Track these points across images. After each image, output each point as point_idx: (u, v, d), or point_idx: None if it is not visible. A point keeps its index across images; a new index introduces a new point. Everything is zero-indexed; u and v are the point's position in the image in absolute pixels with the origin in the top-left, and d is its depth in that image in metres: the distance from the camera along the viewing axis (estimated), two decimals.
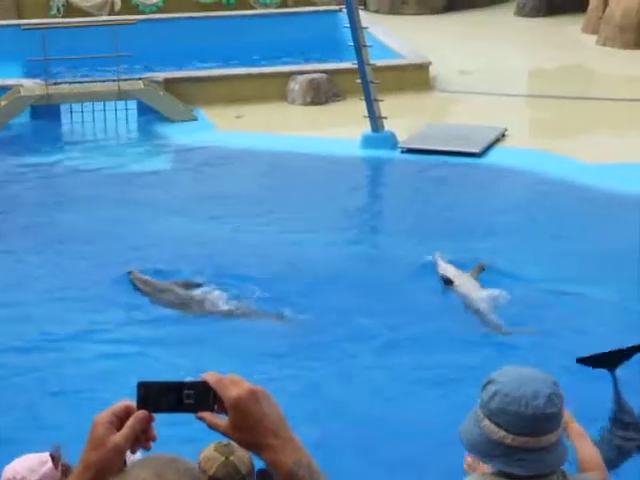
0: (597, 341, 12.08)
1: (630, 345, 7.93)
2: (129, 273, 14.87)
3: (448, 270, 14.95)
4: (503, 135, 20.63)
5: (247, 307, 14.15)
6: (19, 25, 24.93)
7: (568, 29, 28.22)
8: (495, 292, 14.34)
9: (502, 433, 3.90)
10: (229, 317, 13.99)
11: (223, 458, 5.21)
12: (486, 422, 3.94)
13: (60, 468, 5.01)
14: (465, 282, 14.71)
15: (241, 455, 5.24)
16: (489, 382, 4.01)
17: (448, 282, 14.75)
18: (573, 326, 13.26)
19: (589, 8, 28.06)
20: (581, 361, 7.65)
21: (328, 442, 10.29)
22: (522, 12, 30.54)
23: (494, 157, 19.71)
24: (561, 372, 10.22)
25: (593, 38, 27.27)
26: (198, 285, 14.72)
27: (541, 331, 13.18)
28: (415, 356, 12.71)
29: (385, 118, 20.17)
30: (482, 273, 14.92)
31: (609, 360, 8.27)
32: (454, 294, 14.60)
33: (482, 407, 3.99)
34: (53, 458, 5.12)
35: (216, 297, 14.42)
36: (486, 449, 3.95)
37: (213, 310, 14.22)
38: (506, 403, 3.90)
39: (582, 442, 4.97)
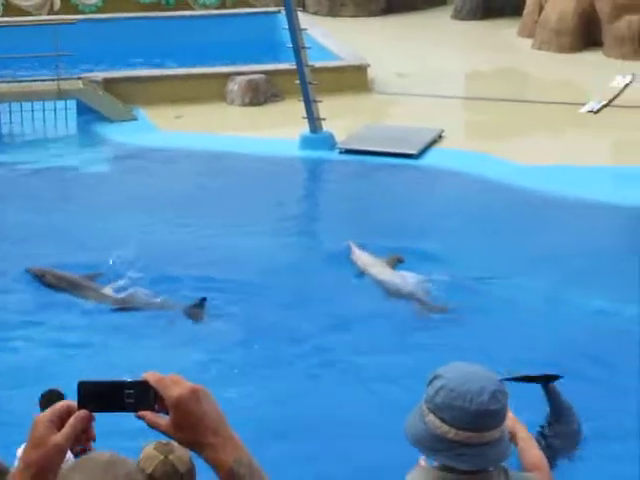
0: (520, 327, 12.45)
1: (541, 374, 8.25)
2: (27, 270, 14.97)
3: (362, 257, 15.44)
4: (440, 137, 20.72)
5: (168, 301, 14.23)
6: None
7: (504, 32, 28.38)
8: (413, 276, 14.82)
9: (445, 428, 3.93)
10: (145, 309, 14.12)
11: (162, 457, 5.20)
12: (431, 417, 3.97)
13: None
14: (382, 269, 15.20)
15: (180, 455, 5.23)
16: (435, 377, 4.03)
17: (360, 266, 15.31)
18: (502, 311, 13.55)
19: (525, 12, 28.21)
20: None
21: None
22: (459, 15, 30.65)
23: (431, 158, 19.80)
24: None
25: (529, 42, 27.42)
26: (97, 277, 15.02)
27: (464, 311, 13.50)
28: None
29: (323, 119, 20.22)
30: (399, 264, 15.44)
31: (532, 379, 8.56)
32: (371, 279, 15.07)
33: (427, 402, 4.01)
34: None
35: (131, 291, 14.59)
36: (430, 444, 3.97)
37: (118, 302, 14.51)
38: (451, 398, 3.93)
39: (527, 444, 5.00)
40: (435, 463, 4.11)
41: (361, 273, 15.20)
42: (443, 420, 3.95)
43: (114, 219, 17.00)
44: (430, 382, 4.03)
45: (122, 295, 14.54)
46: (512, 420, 4.85)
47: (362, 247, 15.62)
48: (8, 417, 10.61)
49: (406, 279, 14.81)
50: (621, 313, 13.57)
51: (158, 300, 14.38)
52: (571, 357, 12.11)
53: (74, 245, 16.02)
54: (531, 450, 4.97)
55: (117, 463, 2.48)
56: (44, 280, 14.93)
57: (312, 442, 11.00)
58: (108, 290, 14.71)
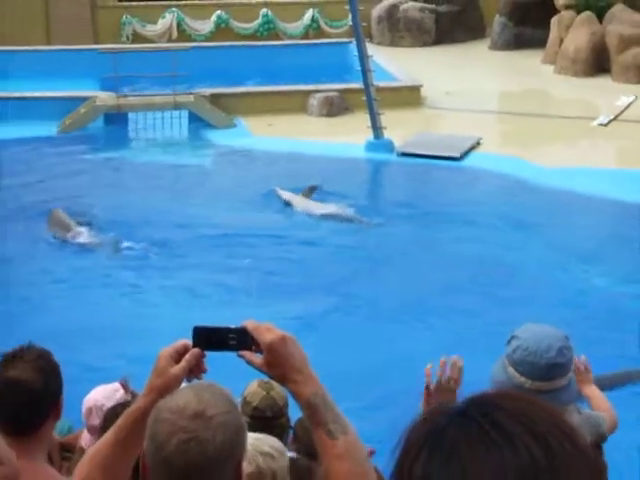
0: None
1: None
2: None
3: (286, 195, 17.03)
4: (478, 143, 20.56)
5: None
6: (97, 49, 24.88)
7: (531, 60, 28.07)
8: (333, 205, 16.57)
9: (522, 379, 3.96)
10: None
11: (265, 393, 5.25)
12: (510, 369, 4.00)
13: (129, 393, 5.04)
14: (302, 201, 16.86)
15: (279, 391, 5.26)
16: (513, 337, 4.06)
17: (288, 203, 16.86)
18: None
19: (548, 44, 27.94)
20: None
21: None
22: (495, 46, 30.40)
23: (470, 161, 19.69)
24: None
25: (551, 68, 27.14)
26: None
27: None
28: None
29: (385, 128, 20.10)
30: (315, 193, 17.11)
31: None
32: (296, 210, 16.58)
33: (507, 357, 4.06)
34: (123, 386, 5.14)
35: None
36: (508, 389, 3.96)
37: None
38: (525, 355, 3.96)
39: (591, 392, 5.01)
40: None
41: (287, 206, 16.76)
42: (520, 372, 3.98)
43: (205, 204, 17.20)
44: (509, 341, 4.07)
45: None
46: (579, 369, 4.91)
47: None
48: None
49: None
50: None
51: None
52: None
53: (167, 223, 16.23)
54: (597, 396, 4.97)
55: (217, 386, 2.48)
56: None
57: None
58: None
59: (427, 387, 4.37)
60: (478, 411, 1.57)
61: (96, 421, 4.95)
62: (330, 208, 16.64)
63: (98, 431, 4.67)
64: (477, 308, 12.80)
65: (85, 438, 5.06)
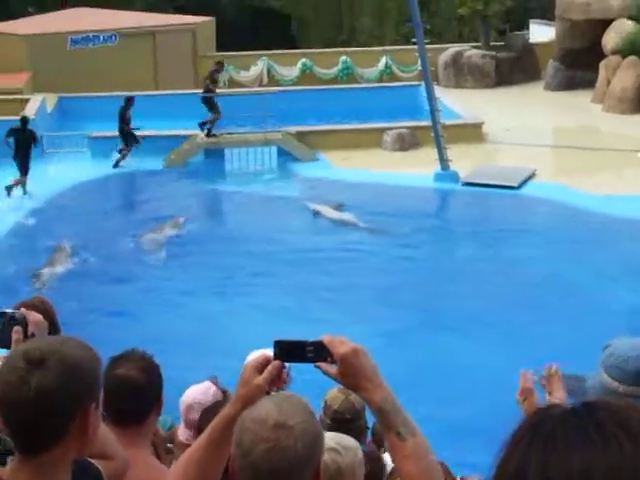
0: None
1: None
2: None
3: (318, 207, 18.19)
4: (534, 174, 20.40)
5: None
6: (197, 93, 25.12)
7: (582, 99, 27.77)
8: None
9: (615, 384, 3.85)
10: None
11: (344, 397, 5.24)
12: (604, 375, 3.90)
13: (220, 390, 5.07)
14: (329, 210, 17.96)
15: (356, 396, 5.21)
16: (607, 346, 3.96)
17: (316, 213, 17.92)
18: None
19: (597, 85, 27.63)
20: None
21: None
22: (549, 87, 30.15)
23: (527, 189, 19.60)
24: None
25: (599, 106, 26.82)
26: None
27: None
28: None
29: (450, 161, 20.07)
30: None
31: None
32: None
33: (602, 363, 3.94)
34: (213, 383, 5.18)
35: None
36: (604, 395, 3.85)
37: None
38: (617, 362, 3.86)
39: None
40: None
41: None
42: (613, 378, 3.86)
43: (290, 229, 17.43)
44: (604, 349, 3.96)
45: None
46: None
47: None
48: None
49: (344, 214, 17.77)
50: None
51: None
52: None
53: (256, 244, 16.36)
54: None
55: (296, 397, 2.48)
56: None
57: None
58: None
59: (526, 389, 4.37)
60: (584, 409, 1.58)
61: (193, 416, 4.99)
62: (351, 218, 17.67)
63: (195, 427, 4.70)
64: (533, 323, 12.62)
65: (183, 432, 5.09)
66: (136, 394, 3.64)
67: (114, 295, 14.44)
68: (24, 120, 20.50)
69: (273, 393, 2.49)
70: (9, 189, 19.87)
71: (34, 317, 2.97)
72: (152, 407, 3.73)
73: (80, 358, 2.33)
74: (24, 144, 19.96)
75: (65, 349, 2.32)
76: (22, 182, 19.99)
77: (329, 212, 18.07)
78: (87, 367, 2.34)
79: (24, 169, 19.98)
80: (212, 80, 22.96)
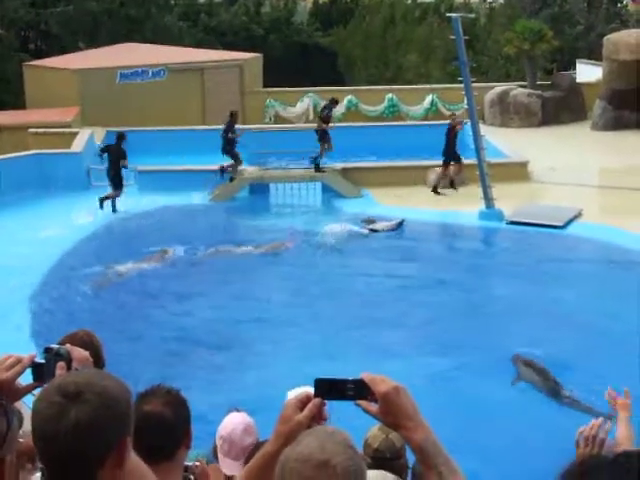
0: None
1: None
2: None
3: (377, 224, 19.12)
4: (580, 214, 20.27)
5: None
6: (245, 130, 25.34)
7: (629, 140, 27.63)
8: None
9: None
10: None
11: (384, 436, 5.25)
12: None
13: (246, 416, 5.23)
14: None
15: (396, 434, 5.21)
16: None
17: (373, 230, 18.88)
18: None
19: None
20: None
21: None
22: (596, 127, 30.06)
23: (573, 229, 19.49)
24: None
25: None
26: None
27: None
28: None
29: (495, 199, 20.01)
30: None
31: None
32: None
33: None
34: (237, 410, 5.31)
35: None
36: None
37: None
38: None
39: (621, 422, 4.84)
40: None
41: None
42: None
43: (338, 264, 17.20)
44: None
45: None
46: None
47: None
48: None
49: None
50: None
51: None
52: None
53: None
54: (622, 427, 4.74)
55: (338, 432, 2.45)
56: None
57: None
58: None
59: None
60: (625, 458, 1.68)
61: (226, 449, 5.06)
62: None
63: (244, 455, 4.76)
64: (575, 363, 12.51)
65: (226, 465, 5.11)
66: (165, 430, 3.66)
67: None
68: (119, 136, 21.61)
69: (315, 427, 2.49)
70: (102, 201, 21.22)
71: (79, 353, 2.99)
72: (181, 441, 3.74)
73: (116, 391, 2.36)
74: (115, 160, 21.19)
75: (101, 382, 2.35)
76: (115, 196, 21.41)
77: (384, 225, 19.05)
78: (123, 400, 2.36)
79: (114, 184, 21.38)
80: (323, 119, 23.12)
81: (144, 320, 14.73)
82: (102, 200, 21.20)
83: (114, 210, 21.41)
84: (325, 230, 19.10)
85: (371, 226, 19.16)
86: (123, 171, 21.32)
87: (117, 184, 21.37)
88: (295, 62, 42.01)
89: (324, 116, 23.44)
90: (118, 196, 21.45)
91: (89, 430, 2.27)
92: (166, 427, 3.67)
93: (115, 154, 21.16)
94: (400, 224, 19.21)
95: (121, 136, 21.66)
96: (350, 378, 2.48)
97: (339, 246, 18.34)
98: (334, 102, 24.06)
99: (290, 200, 22.69)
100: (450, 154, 22.34)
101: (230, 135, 22.66)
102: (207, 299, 15.61)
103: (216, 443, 5.24)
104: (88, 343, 3.75)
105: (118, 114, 28.36)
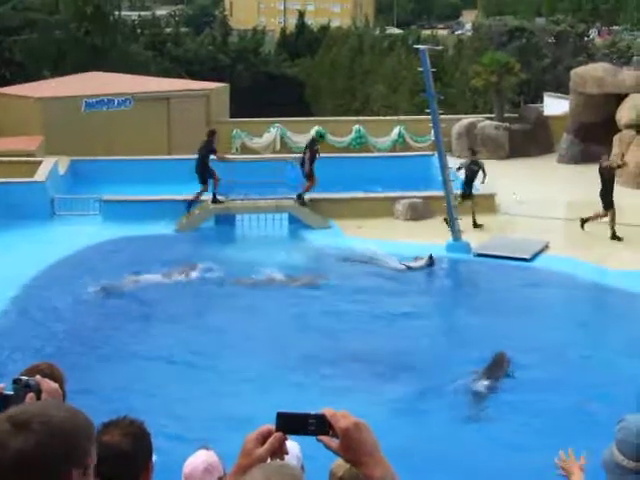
0: None
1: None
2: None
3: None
4: (547, 246, 20.46)
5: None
6: (212, 159, 25.29)
7: (596, 173, 27.76)
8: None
9: (621, 457, 3.91)
10: None
11: (349, 465, 5.26)
12: (614, 448, 3.96)
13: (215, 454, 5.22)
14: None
15: None
16: (621, 421, 4.02)
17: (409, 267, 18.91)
18: None
19: (611, 159, 27.79)
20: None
21: None
22: (562, 160, 30.42)
23: (540, 262, 19.66)
24: None
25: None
26: None
27: None
28: None
29: (462, 231, 20.14)
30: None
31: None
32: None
33: (615, 437, 4.01)
34: (206, 448, 5.32)
35: None
36: (611, 468, 3.95)
37: None
38: (625, 435, 3.92)
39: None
40: None
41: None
42: (620, 451, 3.93)
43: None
44: (618, 423, 4.02)
45: None
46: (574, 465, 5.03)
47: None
48: None
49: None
50: None
51: None
52: None
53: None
54: None
55: (288, 467, 2.47)
56: None
57: None
58: None
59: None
60: None
61: None
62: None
63: None
64: (538, 395, 12.65)
65: None
66: (122, 461, 3.64)
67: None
68: (210, 132, 23.31)
69: (267, 462, 2.50)
70: (190, 203, 22.68)
71: (48, 385, 2.98)
72: (140, 474, 3.73)
73: (68, 421, 2.31)
74: (205, 154, 22.58)
75: (52, 412, 2.31)
76: (203, 191, 22.67)
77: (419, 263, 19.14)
78: (70, 430, 2.30)
79: (203, 179, 22.57)
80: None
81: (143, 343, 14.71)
82: (191, 202, 22.59)
83: (214, 201, 22.69)
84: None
85: (407, 263, 19.16)
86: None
87: (205, 179, 22.49)
88: (262, 92, 42.19)
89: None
90: (206, 191, 22.66)
91: (31, 460, 2.23)
92: (123, 458, 3.65)
93: (205, 149, 22.49)
94: (430, 259, 19.15)
95: (212, 132, 23.25)
96: (312, 413, 2.48)
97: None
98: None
99: (256, 231, 22.70)
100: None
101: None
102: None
103: None
104: (49, 375, 3.74)
105: (83, 143, 28.31)
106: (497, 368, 13.39)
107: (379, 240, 20.97)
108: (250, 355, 14.45)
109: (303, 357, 14.34)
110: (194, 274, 18.68)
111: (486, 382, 12.95)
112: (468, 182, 22.42)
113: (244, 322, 16.06)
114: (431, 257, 19.13)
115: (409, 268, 18.96)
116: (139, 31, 44.49)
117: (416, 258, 19.29)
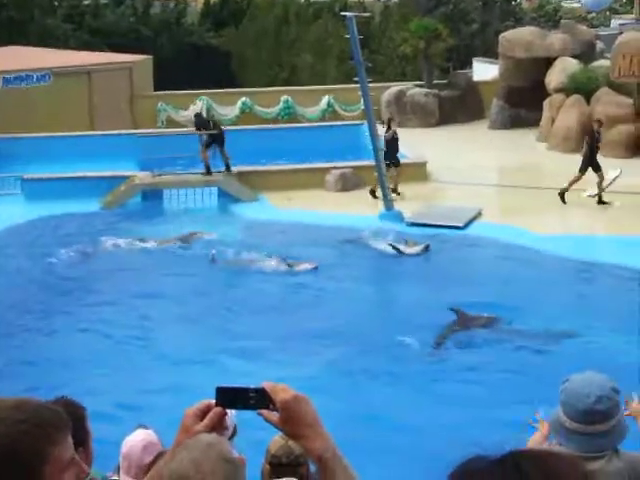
0: None
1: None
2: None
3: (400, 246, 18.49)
4: (479, 213, 20.62)
5: None
6: (135, 134, 25.12)
7: (527, 138, 28.23)
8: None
9: (564, 418, 3.97)
10: None
11: (283, 442, 5.31)
12: (559, 409, 4.02)
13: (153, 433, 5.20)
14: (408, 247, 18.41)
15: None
16: (565, 381, 4.08)
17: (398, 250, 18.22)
18: None
19: (541, 124, 28.15)
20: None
21: None
22: (493, 126, 30.66)
23: (473, 229, 19.86)
24: None
25: (544, 145, 27.34)
26: None
27: None
28: None
29: (395, 200, 20.18)
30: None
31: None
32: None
33: (560, 397, 4.07)
34: (143, 427, 5.28)
35: None
36: (556, 427, 4.03)
37: None
38: (568, 397, 3.98)
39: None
40: (554, 441, 4.18)
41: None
42: (564, 412, 3.99)
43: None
44: (562, 383, 4.08)
45: None
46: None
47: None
48: None
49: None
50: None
51: None
52: None
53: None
54: None
55: (215, 444, 2.48)
56: None
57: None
58: None
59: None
60: (510, 459, 1.70)
61: (126, 466, 5.05)
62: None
63: (143, 472, 4.72)
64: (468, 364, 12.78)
65: None
66: None
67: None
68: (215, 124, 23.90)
69: (193, 439, 2.47)
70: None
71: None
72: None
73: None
74: (220, 144, 22.92)
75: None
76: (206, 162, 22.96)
77: (409, 248, 18.43)
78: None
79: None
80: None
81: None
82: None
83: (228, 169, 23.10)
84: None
85: (397, 246, 18.54)
86: None
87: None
88: (186, 64, 41.73)
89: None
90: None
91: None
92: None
93: (219, 139, 22.76)
94: (427, 248, 18.47)
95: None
96: (252, 386, 2.46)
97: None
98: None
99: (184, 206, 22.55)
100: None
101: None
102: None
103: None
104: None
105: (2, 120, 27.77)
106: (465, 320, 13.90)
107: (310, 211, 20.96)
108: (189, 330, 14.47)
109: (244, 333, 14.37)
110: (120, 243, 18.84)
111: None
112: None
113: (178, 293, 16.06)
114: (427, 247, 18.45)
115: (399, 252, 18.36)
116: (56, 3, 43.63)
117: (407, 242, 18.70)
